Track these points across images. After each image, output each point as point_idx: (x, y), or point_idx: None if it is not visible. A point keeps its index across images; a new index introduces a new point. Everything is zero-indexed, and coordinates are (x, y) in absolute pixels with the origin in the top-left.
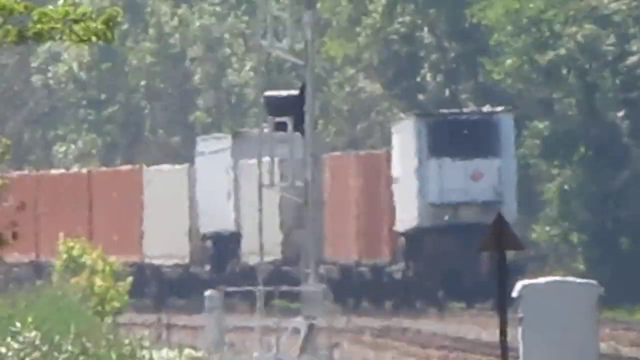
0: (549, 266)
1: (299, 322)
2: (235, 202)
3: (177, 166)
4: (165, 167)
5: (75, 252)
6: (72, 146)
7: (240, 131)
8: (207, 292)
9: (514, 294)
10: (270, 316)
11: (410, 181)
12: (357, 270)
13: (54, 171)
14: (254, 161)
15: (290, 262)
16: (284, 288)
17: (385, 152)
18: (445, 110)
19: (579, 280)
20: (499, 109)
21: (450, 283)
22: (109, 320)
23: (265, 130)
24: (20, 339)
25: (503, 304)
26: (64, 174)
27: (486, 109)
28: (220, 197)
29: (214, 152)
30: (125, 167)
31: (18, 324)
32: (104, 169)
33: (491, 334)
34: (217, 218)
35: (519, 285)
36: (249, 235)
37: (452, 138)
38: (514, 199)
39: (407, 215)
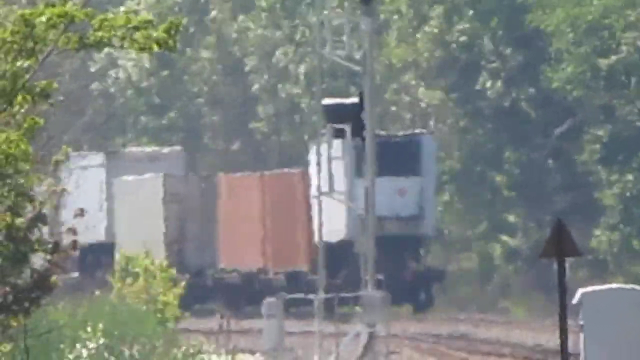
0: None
1: (360, 328)
2: (109, 215)
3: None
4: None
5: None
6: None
7: (114, 150)
8: (266, 299)
9: (574, 301)
10: (330, 322)
11: (339, 197)
12: (261, 277)
13: None
14: (131, 177)
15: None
16: (344, 294)
17: (300, 171)
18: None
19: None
20: (422, 131)
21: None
22: (172, 326)
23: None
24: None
25: (563, 313)
26: None
27: (409, 132)
28: (92, 210)
29: (84, 167)
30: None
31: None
32: None
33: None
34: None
35: (579, 292)
36: (125, 245)
37: (379, 158)
38: (433, 214)
39: (334, 227)
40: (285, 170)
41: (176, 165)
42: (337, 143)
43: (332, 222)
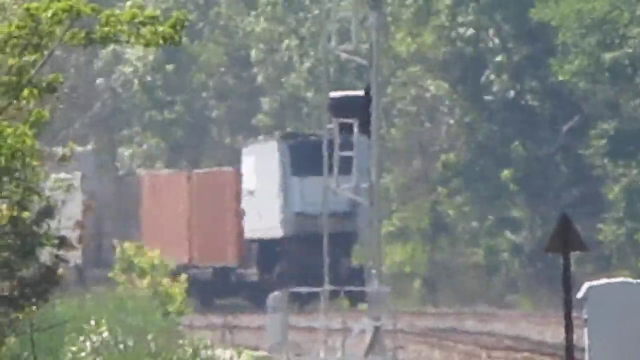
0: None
1: (366, 323)
2: None
3: None
4: None
5: (130, 253)
6: (138, 149)
7: None
8: (272, 293)
9: (579, 295)
10: (335, 317)
11: (274, 195)
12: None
13: None
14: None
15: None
16: (349, 288)
17: (232, 170)
18: (305, 133)
19: None
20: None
21: (311, 285)
22: (177, 320)
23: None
24: (94, 338)
25: (569, 307)
26: None
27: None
28: None
29: None
30: None
31: (92, 322)
32: None
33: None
34: None
35: (584, 286)
36: None
37: (312, 157)
38: (366, 211)
39: (268, 224)
40: (216, 169)
41: (87, 165)
42: (272, 143)
43: (266, 219)
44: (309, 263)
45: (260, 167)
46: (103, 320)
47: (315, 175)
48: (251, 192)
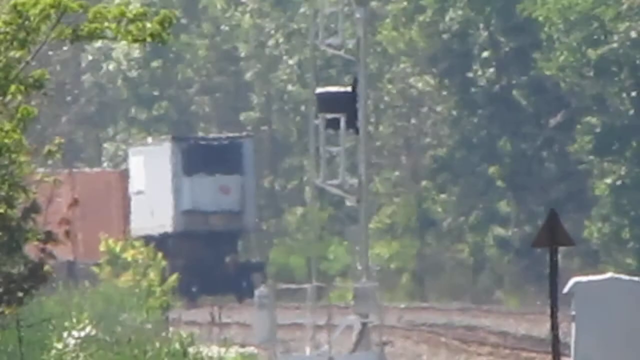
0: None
1: (353, 319)
2: None
3: None
4: None
5: (117, 250)
6: (123, 145)
7: None
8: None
9: (566, 290)
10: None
11: (165, 194)
12: (75, 268)
13: None
14: None
15: None
16: (338, 284)
17: (119, 171)
18: (197, 135)
19: (632, 277)
20: (243, 134)
21: (201, 279)
22: (160, 315)
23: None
24: (76, 334)
25: (554, 302)
26: None
27: (231, 134)
28: None
29: None
30: None
31: (74, 320)
32: None
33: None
34: None
35: (571, 282)
36: None
37: (203, 158)
38: (253, 209)
39: (159, 222)
40: (100, 169)
41: None
42: (164, 145)
43: (157, 217)
44: (198, 259)
45: (152, 167)
46: (85, 316)
47: (206, 175)
48: (141, 191)
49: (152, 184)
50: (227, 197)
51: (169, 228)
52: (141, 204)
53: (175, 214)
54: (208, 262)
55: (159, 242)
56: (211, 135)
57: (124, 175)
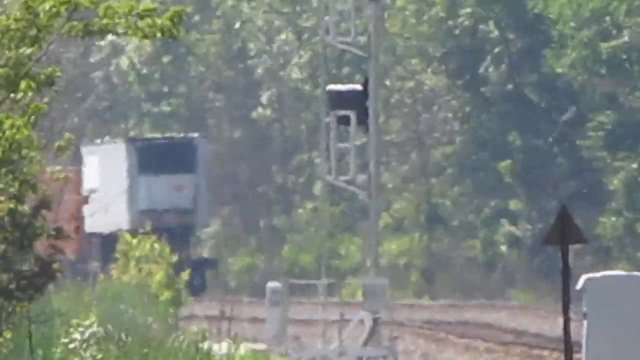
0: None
1: (364, 315)
2: None
3: None
4: None
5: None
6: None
7: None
8: (270, 284)
9: (578, 287)
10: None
11: (121, 192)
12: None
13: None
14: None
15: None
16: (348, 281)
17: (76, 169)
18: (151, 136)
19: None
20: (196, 135)
21: None
22: (171, 310)
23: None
24: (82, 330)
25: (566, 299)
26: None
27: (185, 134)
28: None
29: None
30: None
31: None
32: None
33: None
34: None
35: (583, 278)
36: None
37: (157, 158)
38: (205, 207)
39: (114, 220)
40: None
41: None
42: (120, 144)
43: (112, 215)
44: None
45: (107, 166)
46: (92, 312)
47: (160, 174)
48: (95, 190)
49: (107, 183)
50: (181, 195)
51: (123, 226)
52: (96, 203)
53: (129, 212)
54: None
55: (113, 240)
56: (165, 135)
57: (79, 174)
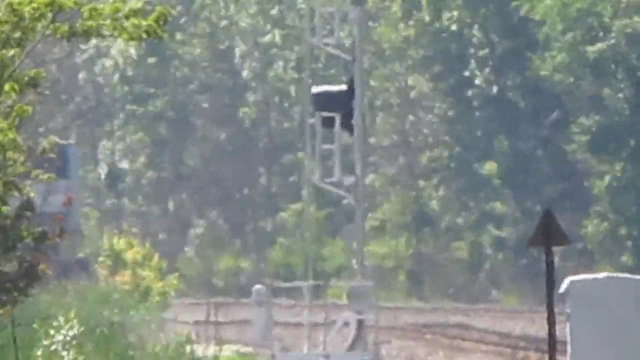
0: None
1: (349, 317)
2: None
3: None
4: None
5: (119, 248)
6: (120, 143)
7: None
8: (256, 287)
9: (561, 289)
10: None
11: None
12: None
13: None
14: None
15: None
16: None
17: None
18: None
19: (628, 275)
20: (67, 142)
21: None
22: (156, 314)
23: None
24: (64, 332)
25: (551, 301)
26: None
27: (59, 141)
28: None
29: None
30: None
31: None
32: None
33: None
34: None
35: (566, 280)
36: None
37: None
38: (78, 211)
39: None
40: None
41: None
42: None
43: None
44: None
45: None
46: (72, 314)
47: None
48: None
49: None
50: (55, 200)
51: None
52: None
53: None
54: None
55: None
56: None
57: None
